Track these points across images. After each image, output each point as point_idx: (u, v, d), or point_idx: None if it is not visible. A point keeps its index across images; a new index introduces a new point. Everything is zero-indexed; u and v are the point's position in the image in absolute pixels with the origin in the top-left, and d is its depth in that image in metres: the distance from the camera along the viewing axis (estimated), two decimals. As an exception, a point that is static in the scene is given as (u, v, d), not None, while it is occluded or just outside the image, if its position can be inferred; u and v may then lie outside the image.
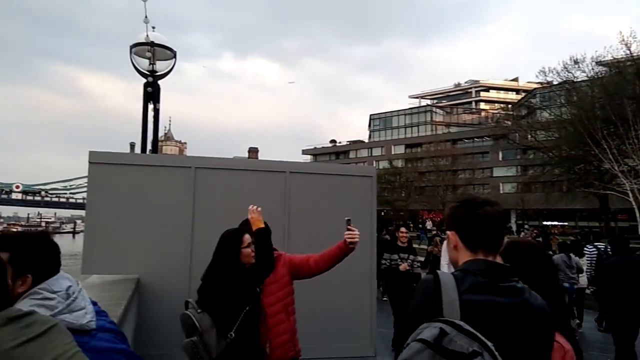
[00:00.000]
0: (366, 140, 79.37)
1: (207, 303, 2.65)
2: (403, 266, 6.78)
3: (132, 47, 6.05)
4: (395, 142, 71.84)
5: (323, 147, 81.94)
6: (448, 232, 1.55)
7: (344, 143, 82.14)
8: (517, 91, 76.53)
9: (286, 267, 3.00)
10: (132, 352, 1.50)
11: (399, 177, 53.79)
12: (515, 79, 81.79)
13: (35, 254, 1.43)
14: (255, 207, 3.06)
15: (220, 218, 4.52)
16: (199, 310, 2.62)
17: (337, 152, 79.44)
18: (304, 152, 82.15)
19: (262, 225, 2.97)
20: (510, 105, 56.65)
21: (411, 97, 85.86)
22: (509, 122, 43.25)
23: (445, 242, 7.41)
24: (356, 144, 79.39)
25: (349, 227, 2.91)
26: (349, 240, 2.88)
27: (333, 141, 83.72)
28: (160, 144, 6.48)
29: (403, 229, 7.30)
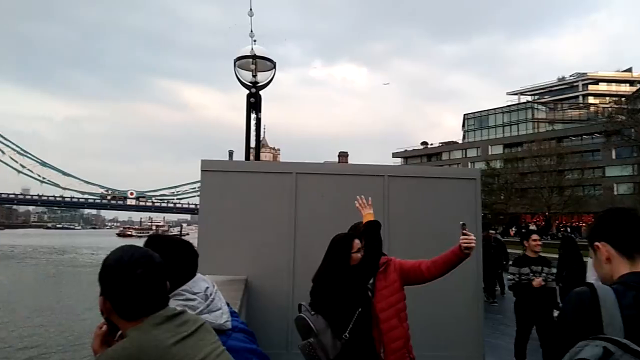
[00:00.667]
0: (460, 141, 76.41)
1: (320, 305, 2.72)
2: (537, 281, 5.53)
3: (236, 60, 6.40)
4: (492, 142, 68.34)
5: (414, 150, 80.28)
6: (597, 244, 1.42)
7: (436, 145, 79.81)
8: (631, 82, 69.04)
9: (397, 272, 2.97)
10: (262, 352, 1.57)
11: (498, 179, 50.98)
12: (629, 70, 73.90)
13: (180, 257, 1.56)
14: (363, 198, 3.08)
15: (320, 221, 4.65)
16: (312, 312, 2.69)
17: (429, 154, 77.39)
18: (394, 155, 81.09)
19: (372, 218, 3.00)
20: (623, 99, 51.33)
21: (509, 93, 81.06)
22: (623, 117, 39.19)
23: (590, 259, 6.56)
24: (449, 145, 76.73)
25: (464, 231, 2.80)
26: (464, 245, 2.77)
27: (424, 143, 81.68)
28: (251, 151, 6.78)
29: (535, 236, 5.94)
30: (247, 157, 6.43)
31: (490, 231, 13.90)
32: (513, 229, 48.38)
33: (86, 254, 59.55)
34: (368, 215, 3.06)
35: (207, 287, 1.55)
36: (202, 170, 4.81)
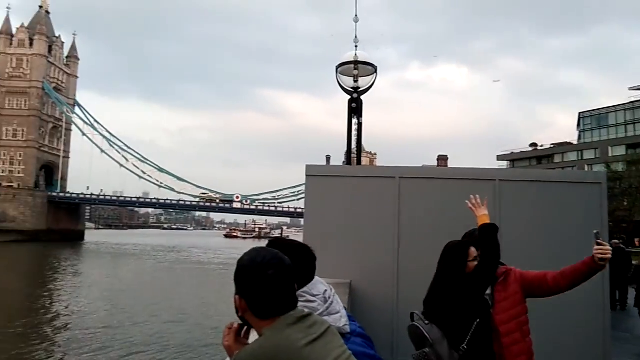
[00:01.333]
0: (575, 142, 70.21)
1: (435, 314, 2.63)
2: None
3: (337, 67, 6.51)
4: (612, 142, 61.80)
5: (522, 152, 75.19)
6: None
7: (547, 146, 74.09)
8: None
9: (518, 283, 2.79)
10: (381, 358, 1.56)
11: (620, 183, 45.87)
12: None
13: (300, 260, 1.61)
14: (477, 197, 2.92)
15: (425, 227, 4.54)
16: (426, 322, 2.61)
17: (539, 157, 72.02)
18: (499, 157, 76.59)
19: (488, 220, 2.81)
20: None
21: (632, 89, 72.64)
22: None
23: None
24: (563, 147, 70.77)
25: (598, 241, 2.55)
26: (599, 256, 2.51)
27: (533, 145, 76.19)
28: (352, 156, 6.80)
29: None
30: (349, 162, 6.49)
31: (614, 240, 12.65)
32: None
33: (197, 253, 64.21)
34: (483, 217, 2.85)
35: (326, 290, 1.58)
36: (306, 175, 4.91)
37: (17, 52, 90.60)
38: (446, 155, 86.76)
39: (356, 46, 6.41)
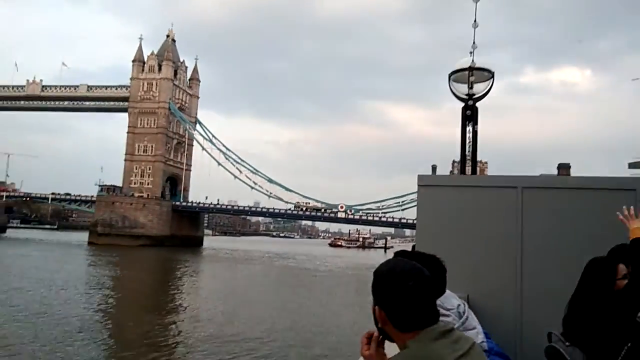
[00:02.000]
0: None
1: (577, 336, 2.40)
2: None
3: (450, 74, 6.33)
4: None
5: (659, 158, 66.49)
6: None
7: (692, 151, 64.64)
8: None
9: None
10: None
11: None
12: None
13: (434, 272, 1.57)
14: (632, 209, 2.64)
15: (551, 240, 4.19)
16: (567, 343, 2.40)
17: (680, 164, 63.16)
18: (632, 165, 68.27)
19: None
20: None
21: None
22: None
23: None
24: None
25: None
26: None
27: (674, 150, 66.95)
28: (467, 165, 6.51)
29: None
30: (463, 171, 6.26)
31: None
32: None
33: (304, 261, 66.06)
34: (636, 230, 2.55)
35: (459, 305, 1.52)
36: (418, 185, 4.81)
37: (148, 77, 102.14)
38: (568, 164, 79.21)
39: (471, 52, 6.19)
